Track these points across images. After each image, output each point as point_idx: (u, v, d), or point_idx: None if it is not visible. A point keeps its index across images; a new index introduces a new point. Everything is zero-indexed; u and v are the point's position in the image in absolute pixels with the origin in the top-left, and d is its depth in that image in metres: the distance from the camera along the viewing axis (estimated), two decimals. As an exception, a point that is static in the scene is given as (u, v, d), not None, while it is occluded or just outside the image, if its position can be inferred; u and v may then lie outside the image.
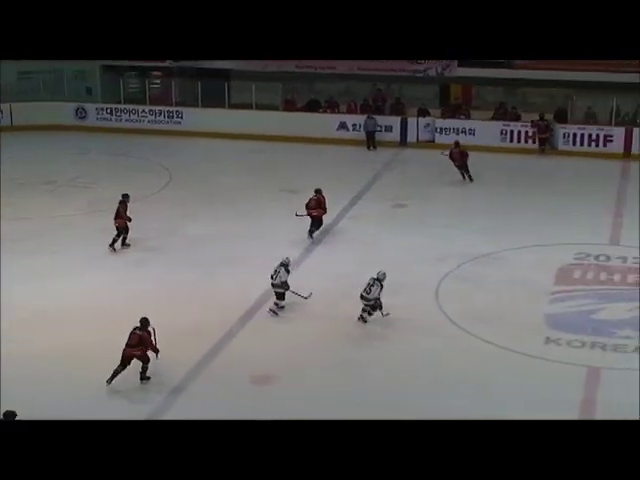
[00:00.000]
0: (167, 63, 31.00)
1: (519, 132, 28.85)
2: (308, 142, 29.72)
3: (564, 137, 28.51)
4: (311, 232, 21.41)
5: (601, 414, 14.05)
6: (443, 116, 30.09)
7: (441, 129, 29.33)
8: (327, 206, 21.60)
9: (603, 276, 19.50)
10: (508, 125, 29.08)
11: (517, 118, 29.48)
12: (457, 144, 26.01)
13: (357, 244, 21.34)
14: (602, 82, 28.42)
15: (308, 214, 21.39)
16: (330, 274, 19.35)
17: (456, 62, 29.60)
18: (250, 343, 16.57)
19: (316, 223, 21.48)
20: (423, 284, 19.03)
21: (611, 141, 28.18)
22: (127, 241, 21.07)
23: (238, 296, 18.26)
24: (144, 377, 15.20)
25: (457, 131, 28.86)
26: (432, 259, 20.25)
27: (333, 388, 15.00)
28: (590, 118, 29.37)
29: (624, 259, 20.25)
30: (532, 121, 28.59)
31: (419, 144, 29.49)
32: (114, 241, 20.84)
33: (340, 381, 15.27)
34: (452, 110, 30.50)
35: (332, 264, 20.02)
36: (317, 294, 17.84)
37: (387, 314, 17.32)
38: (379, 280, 17.26)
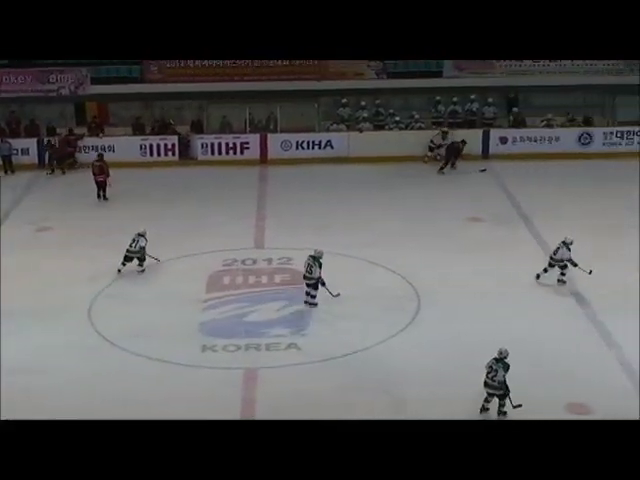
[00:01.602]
0: None
1: (158, 145, 29.04)
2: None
3: (202, 147, 29.04)
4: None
5: (261, 414, 14.61)
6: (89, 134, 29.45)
7: (81, 148, 28.75)
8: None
9: (252, 279, 20.15)
10: (147, 139, 29.18)
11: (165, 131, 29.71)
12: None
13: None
14: (235, 91, 29.40)
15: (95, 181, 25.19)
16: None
17: (89, 79, 29.25)
18: None
19: (102, 188, 25.24)
20: (76, 306, 18.66)
21: (248, 148, 29.10)
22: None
23: None
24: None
25: (97, 149, 28.43)
26: (82, 280, 19.89)
27: None
28: (226, 127, 30.19)
29: (270, 261, 21.06)
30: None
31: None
32: None
33: None
34: (89, 128, 30.01)
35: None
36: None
37: (337, 294, 18.13)
38: (317, 258, 17.85)
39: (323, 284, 18.55)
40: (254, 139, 29.21)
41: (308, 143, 29.18)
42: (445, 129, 29.19)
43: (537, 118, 30.47)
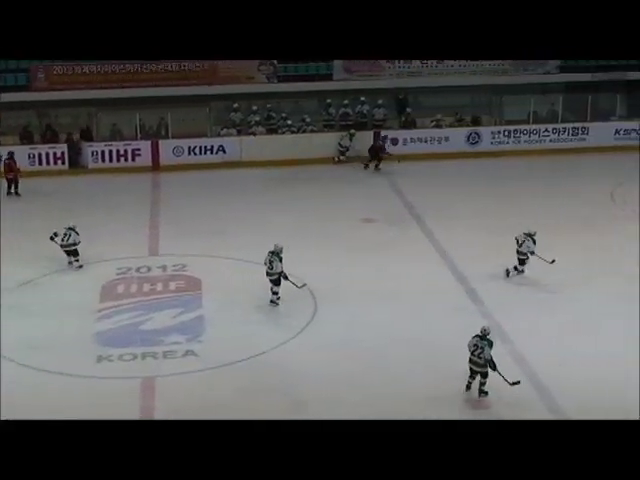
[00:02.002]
0: None
1: (47, 154, 28.47)
2: None
3: (92, 155, 28.60)
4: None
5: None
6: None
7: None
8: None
9: (146, 287, 19.94)
10: (35, 148, 28.60)
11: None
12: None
13: None
14: (125, 98, 29.12)
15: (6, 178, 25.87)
16: None
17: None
18: None
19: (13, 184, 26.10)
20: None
21: (139, 155, 28.80)
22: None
23: None
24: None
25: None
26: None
27: None
28: (116, 134, 29.83)
29: (164, 268, 20.88)
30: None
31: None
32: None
33: None
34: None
35: None
36: None
37: (303, 285, 18.28)
38: (276, 253, 18.17)
39: (286, 278, 18.64)
40: (145, 146, 28.93)
41: (200, 148, 29.07)
42: (352, 131, 29.48)
43: (427, 119, 31.00)
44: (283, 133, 30.25)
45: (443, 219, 23.78)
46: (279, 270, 18.65)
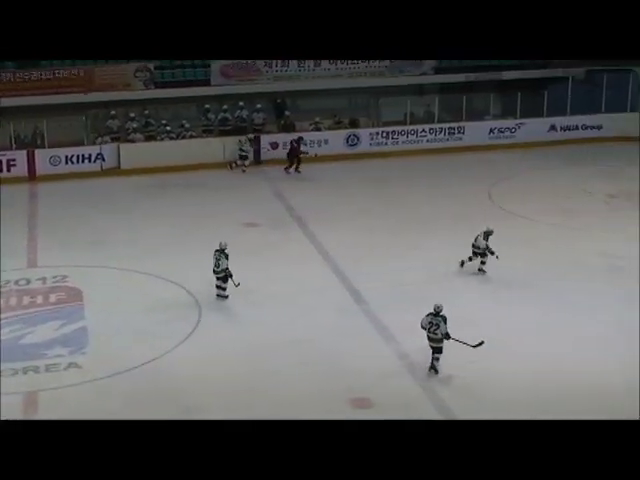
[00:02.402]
0: None
1: None
2: None
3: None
4: None
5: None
6: None
7: None
8: None
9: (26, 300, 19.44)
10: None
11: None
12: None
13: None
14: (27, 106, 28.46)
15: None
16: None
17: None
18: None
19: None
20: None
21: (14, 165, 28.09)
22: None
23: None
24: None
25: None
26: None
27: None
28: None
29: (44, 280, 20.42)
30: None
31: None
32: None
33: None
34: None
35: None
36: None
37: (238, 284, 18.69)
38: (222, 251, 18.92)
39: (230, 276, 18.91)
40: (21, 156, 28.28)
41: (78, 157, 28.58)
42: (251, 135, 29.58)
43: (305, 122, 31.20)
44: (162, 139, 30.03)
45: (325, 221, 23.99)
46: (225, 267, 18.99)
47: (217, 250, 19.22)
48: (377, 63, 31.53)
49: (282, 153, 29.39)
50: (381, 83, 31.94)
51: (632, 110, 32.50)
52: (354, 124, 31.91)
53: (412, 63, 31.76)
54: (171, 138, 29.96)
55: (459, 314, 16.85)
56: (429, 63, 32.10)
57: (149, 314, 18.66)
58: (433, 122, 31.75)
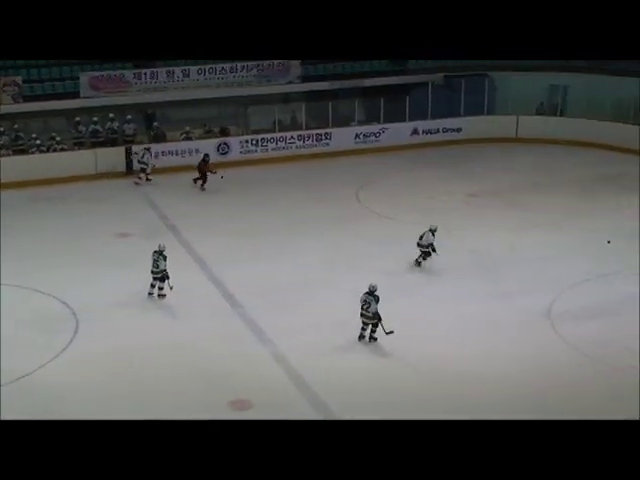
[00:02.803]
0: None
1: None
2: None
3: None
4: None
5: None
6: None
7: None
8: None
9: None
10: None
11: None
12: None
13: None
14: None
15: None
16: None
17: None
18: None
19: None
20: None
21: None
22: None
23: None
24: None
25: None
26: None
27: None
28: None
29: None
30: None
31: None
32: None
33: None
34: None
35: None
36: None
37: (172, 287, 19.51)
38: (161, 252, 19.81)
39: (167, 277, 19.72)
40: None
41: (-55, 173, 28.15)
42: (148, 146, 29.82)
43: (176, 132, 31.61)
44: (33, 153, 29.91)
45: (198, 228, 24.50)
46: (163, 268, 19.81)
47: (155, 251, 20.02)
48: (245, 73, 32.22)
49: (155, 162, 29.61)
50: (249, 92, 32.58)
51: (489, 113, 34.13)
52: (224, 133, 32.49)
53: (279, 72, 32.58)
54: (41, 151, 29.87)
55: (333, 317, 17.54)
56: (295, 72, 32.93)
57: (25, 327, 18.64)
58: (301, 129, 32.63)
